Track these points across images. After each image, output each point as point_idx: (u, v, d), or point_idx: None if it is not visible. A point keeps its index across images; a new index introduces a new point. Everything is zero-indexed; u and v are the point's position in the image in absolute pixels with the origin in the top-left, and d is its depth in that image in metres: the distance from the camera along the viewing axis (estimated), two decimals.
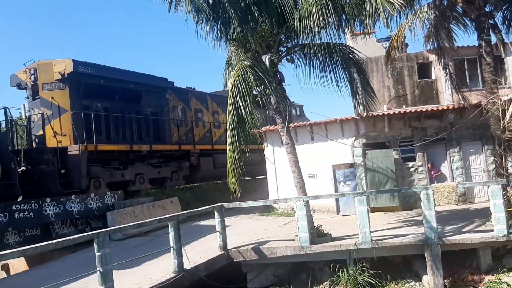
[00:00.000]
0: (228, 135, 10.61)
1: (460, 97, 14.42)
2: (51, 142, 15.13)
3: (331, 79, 11.61)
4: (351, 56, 11.88)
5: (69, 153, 14.94)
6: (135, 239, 13.86)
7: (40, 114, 15.43)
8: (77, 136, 15.13)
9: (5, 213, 12.01)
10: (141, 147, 17.56)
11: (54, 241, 7.05)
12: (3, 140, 13.10)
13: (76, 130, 15.13)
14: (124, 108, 17.57)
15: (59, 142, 15.13)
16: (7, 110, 13.92)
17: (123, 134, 17.39)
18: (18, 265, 13.71)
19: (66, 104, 15.71)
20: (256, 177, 25.34)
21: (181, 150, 19.84)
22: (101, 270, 7.39)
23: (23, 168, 14.13)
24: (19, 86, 16.71)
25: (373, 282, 10.02)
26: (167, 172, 19.23)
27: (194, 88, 22.65)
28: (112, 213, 14.46)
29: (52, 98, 15.57)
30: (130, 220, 13.87)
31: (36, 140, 15.71)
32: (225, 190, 11.93)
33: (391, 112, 16.28)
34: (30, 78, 16.16)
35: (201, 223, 15.85)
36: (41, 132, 15.42)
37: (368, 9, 10.30)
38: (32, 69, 16.06)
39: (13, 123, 15.99)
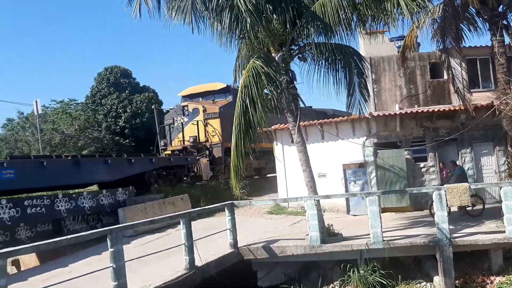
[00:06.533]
0: (233, 138, 10.62)
1: (461, 100, 14.34)
2: None
3: (333, 80, 11.62)
4: (355, 58, 11.81)
5: None
6: (146, 236, 13.92)
7: None
8: None
9: (17, 208, 12.08)
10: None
11: (68, 236, 7.11)
12: None
13: None
14: None
15: None
16: None
17: None
18: (29, 260, 13.76)
19: None
20: (267, 175, 25.60)
21: None
22: (114, 266, 7.44)
23: None
24: None
25: (384, 282, 10.00)
26: None
27: None
28: (124, 210, 14.53)
29: None
30: (141, 217, 13.89)
31: None
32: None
33: (403, 112, 16.19)
34: None
35: (211, 220, 15.89)
36: None
37: (389, 7, 10.24)
38: None
39: None
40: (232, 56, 12.49)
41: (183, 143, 22.51)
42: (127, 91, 36.47)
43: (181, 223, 9.59)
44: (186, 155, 21.46)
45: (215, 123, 22.16)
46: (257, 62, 10.36)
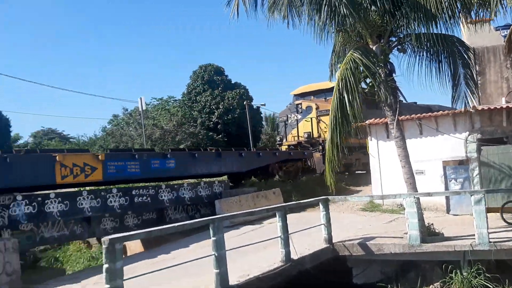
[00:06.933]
0: (329, 133, 10.55)
1: None
2: None
3: (435, 71, 11.08)
4: (459, 48, 11.13)
5: None
6: (242, 227, 14.30)
7: None
8: None
9: (126, 197, 13.07)
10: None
11: (175, 224, 7.54)
12: None
13: None
14: None
15: None
16: None
17: None
18: (135, 246, 14.79)
19: None
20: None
21: None
22: (216, 255, 7.69)
23: None
24: None
25: (490, 286, 9.38)
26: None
27: None
28: (220, 201, 15.12)
29: None
30: (236, 209, 14.34)
31: None
32: (324, 183, 11.94)
33: (510, 106, 15.00)
34: None
35: (302, 215, 15.91)
36: None
37: None
38: None
39: None
40: (326, 50, 12.42)
41: (298, 138, 24.24)
42: (219, 88, 37.72)
43: (277, 216, 9.72)
44: (302, 150, 23.15)
45: (328, 120, 22.89)
46: (355, 54, 10.20)
